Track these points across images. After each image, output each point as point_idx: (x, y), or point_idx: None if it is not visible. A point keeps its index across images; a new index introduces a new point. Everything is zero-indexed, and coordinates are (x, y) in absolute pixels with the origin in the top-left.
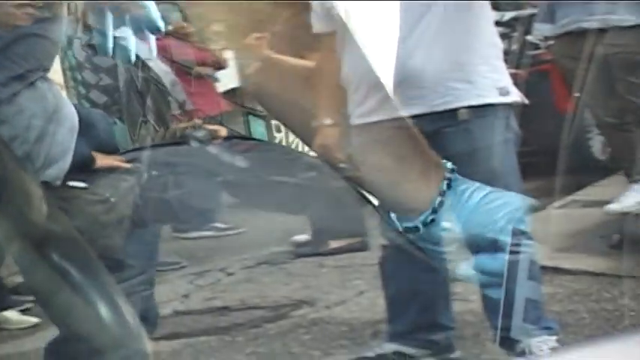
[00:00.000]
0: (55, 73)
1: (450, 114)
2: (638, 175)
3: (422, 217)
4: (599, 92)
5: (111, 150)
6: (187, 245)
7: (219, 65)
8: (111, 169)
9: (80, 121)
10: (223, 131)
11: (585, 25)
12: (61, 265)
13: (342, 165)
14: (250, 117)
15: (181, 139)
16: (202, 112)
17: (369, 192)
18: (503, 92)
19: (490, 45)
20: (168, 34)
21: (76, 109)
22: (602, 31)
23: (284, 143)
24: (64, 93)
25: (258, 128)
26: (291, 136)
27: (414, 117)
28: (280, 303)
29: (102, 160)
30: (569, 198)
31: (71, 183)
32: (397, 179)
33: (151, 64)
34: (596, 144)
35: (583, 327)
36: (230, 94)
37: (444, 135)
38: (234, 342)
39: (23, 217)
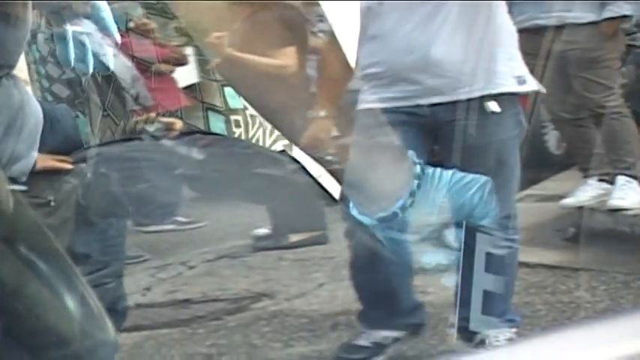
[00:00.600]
0: (21, 67)
1: (471, 103)
2: (593, 170)
3: (399, 203)
4: (555, 88)
5: (76, 145)
6: (149, 239)
7: (180, 62)
8: (53, 171)
9: (45, 116)
10: (179, 124)
11: (541, 22)
12: (28, 257)
13: (328, 157)
14: (210, 112)
15: (138, 134)
16: (162, 107)
17: (347, 184)
18: (521, 81)
19: (507, 33)
20: (129, 30)
21: (41, 104)
22: (557, 28)
23: (243, 138)
24: (29, 87)
25: (217, 124)
26: (251, 131)
27: (434, 105)
28: (241, 295)
29: (43, 162)
30: (525, 192)
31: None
32: (377, 167)
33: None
34: (552, 139)
35: (539, 319)
36: (190, 89)
37: (461, 124)
38: (195, 334)
39: None
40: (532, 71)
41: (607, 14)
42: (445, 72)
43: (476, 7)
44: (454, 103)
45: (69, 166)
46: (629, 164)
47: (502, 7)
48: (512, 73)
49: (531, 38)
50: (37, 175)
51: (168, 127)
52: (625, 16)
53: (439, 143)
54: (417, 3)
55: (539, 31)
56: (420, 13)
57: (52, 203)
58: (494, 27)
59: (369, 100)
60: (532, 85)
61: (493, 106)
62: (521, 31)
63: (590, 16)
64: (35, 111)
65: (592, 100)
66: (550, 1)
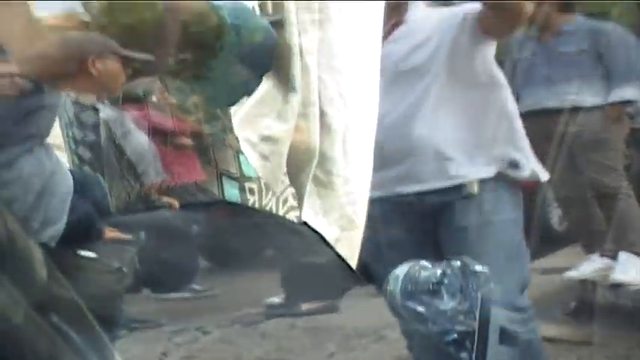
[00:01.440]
0: (57, 134)
1: (453, 188)
2: (596, 246)
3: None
4: (561, 168)
5: (103, 211)
6: (166, 305)
7: (198, 136)
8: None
9: (75, 184)
10: (176, 205)
11: (549, 104)
12: (61, 327)
13: None
14: (224, 178)
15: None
16: (179, 179)
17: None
18: (512, 165)
19: (503, 116)
20: (149, 104)
21: (71, 172)
22: (565, 111)
23: (257, 205)
24: (63, 153)
25: (231, 190)
26: (265, 199)
27: (422, 192)
28: None
29: (109, 233)
30: (528, 266)
31: (82, 252)
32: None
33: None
34: (555, 216)
35: None
36: (205, 155)
37: (443, 209)
38: None
39: (26, 279)
40: (538, 152)
41: (612, 99)
42: (426, 157)
43: (467, 90)
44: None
45: (128, 237)
46: (632, 241)
47: (497, 90)
48: (504, 156)
49: (539, 120)
50: (104, 245)
51: (170, 205)
52: (629, 102)
53: (435, 228)
54: (406, 85)
55: (546, 113)
56: (407, 97)
57: (124, 270)
58: (487, 110)
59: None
60: (526, 171)
61: (475, 189)
62: (530, 114)
63: (596, 100)
64: (65, 179)
65: (597, 180)
66: (558, 84)
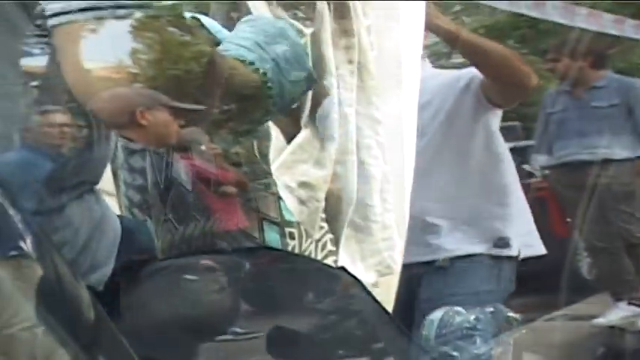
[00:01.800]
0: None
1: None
2: (624, 294)
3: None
4: (592, 218)
5: (151, 256)
6: (207, 347)
7: (241, 185)
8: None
9: (123, 229)
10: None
11: (581, 157)
12: None
13: None
14: (265, 223)
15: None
16: (222, 225)
17: None
18: (500, 244)
19: (496, 190)
20: (194, 152)
21: (119, 217)
22: (596, 163)
23: (297, 250)
24: (113, 198)
25: (272, 235)
26: (304, 244)
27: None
28: None
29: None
30: (559, 312)
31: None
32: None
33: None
34: (584, 265)
35: None
36: (247, 200)
37: (425, 280)
38: None
39: (74, 320)
40: (570, 202)
41: None
42: (416, 224)
43: (463, 158)
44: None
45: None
46: None
47: (496, 162)
48: (494, 234)
49: (571, 172)
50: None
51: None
52: None
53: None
54: None
55: (578, 165)
56: None
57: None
58: (483, 182)
59: None
60: (514, 249)
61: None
62: (562, 165)
63: (626, 153)
64: (114, 224)
65: (627, 230)
66: (590, 138)
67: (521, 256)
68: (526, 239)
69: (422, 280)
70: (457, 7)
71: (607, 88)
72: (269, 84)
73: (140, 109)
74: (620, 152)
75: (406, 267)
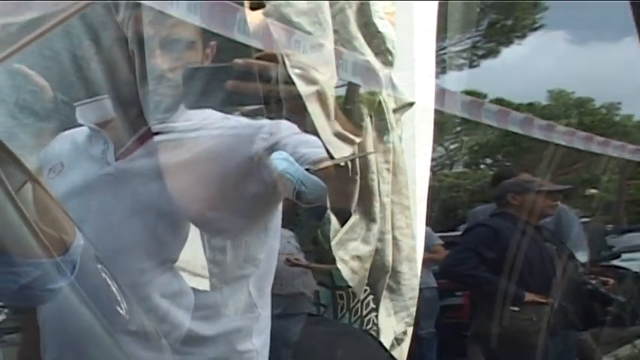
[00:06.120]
0: None
1: None
2: None
3: None
4: None
5: None
6: None
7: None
8: None
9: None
10: None
11: None
12: None
13: None
14: (320, 288)
15: None
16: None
17: None
18: None
19: None
20: None
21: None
22: None
23: (345, 308)
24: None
25: (324, 297)
26: (352, 303)
27: None
28: None
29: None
30: None
31: None
32: None
33: None
34: None
35: None
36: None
37: None
38: None
39: None
40: None
41: None
42: None
43: None
44: None
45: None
46: None
47: None
48: None
49: None
50: None
51: None
52: None
53: None
54: None
55: None
56: None
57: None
58: None
59: None
60: None
61: None
62: None
63: None
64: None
65: None
66: None
67: None
68: None
69: None
70: (458, 128)
71: None
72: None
73: None
74: None
75: None
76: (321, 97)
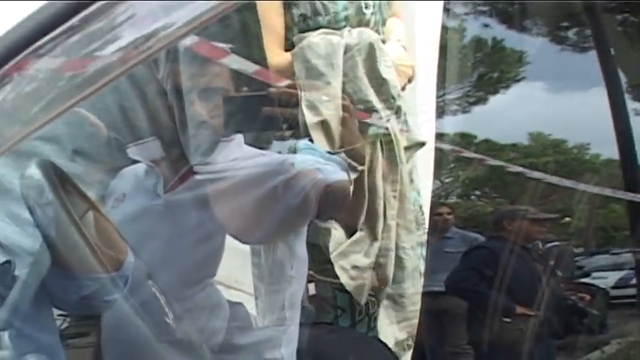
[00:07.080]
0: None
1: None
2: None
3: None
4: None
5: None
6: None
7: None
8: None
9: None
10: None
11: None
12: None
13: None
14: (336, 291)
15: None
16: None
17: None
18: None
19: None
20: None
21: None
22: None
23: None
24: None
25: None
26: (357, 317)
27: None
28: None
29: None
30: None
31: None
32: None
33: None
34: None
35: None
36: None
37: None
38: None
39: None
40: None
41: None
42: None
43: None
44: None
45: None
46: None
47: None
48: None
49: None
50: None
51: None
52: None
53: None
54: None
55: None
56: None
57: None
58: None
59: None
60: None
61: None
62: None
63: None
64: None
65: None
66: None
67: None
68: None
69: None
70: (452, 165)
71: (454, 239)
72: None
73: None
74: None
75: None
76: (324, 126)
